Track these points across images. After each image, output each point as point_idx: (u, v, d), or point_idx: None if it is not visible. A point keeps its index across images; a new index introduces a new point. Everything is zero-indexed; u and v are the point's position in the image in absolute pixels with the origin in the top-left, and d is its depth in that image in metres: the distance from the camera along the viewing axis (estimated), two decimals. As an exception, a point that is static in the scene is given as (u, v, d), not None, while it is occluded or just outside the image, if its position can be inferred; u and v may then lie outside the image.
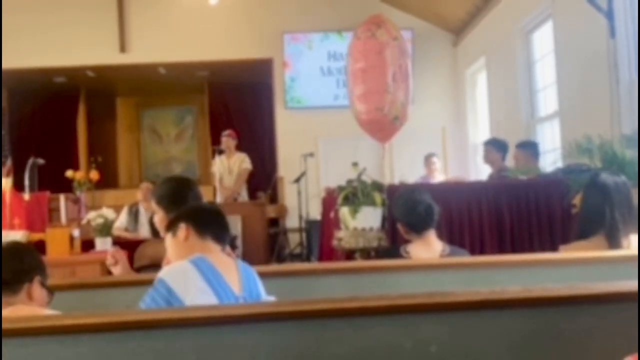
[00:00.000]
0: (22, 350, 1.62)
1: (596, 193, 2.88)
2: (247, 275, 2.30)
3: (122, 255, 2.96)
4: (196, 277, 2.15)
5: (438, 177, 7.87)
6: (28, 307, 2.10)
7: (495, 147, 5.95)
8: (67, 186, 7.48)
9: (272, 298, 2.28)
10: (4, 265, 2.13)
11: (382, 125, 6.45)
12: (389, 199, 3.80)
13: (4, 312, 2.03)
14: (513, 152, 5.82)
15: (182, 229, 2.34)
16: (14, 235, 5.18)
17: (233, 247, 3.08)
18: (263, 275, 2.84)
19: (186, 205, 2.73)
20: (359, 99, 6.44)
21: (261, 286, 2.34)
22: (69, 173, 7.57)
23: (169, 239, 2.41)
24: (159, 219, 2.92)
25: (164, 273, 2.20)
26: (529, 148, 5.69)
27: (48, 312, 2.11)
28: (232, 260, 2.34)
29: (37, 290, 2.16)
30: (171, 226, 2.40)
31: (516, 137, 6.35)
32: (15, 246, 2.30)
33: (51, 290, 2.21)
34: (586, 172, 3.55)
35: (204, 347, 1.66)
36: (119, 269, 2.90)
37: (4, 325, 1.61)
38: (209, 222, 2.37)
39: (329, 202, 4.48)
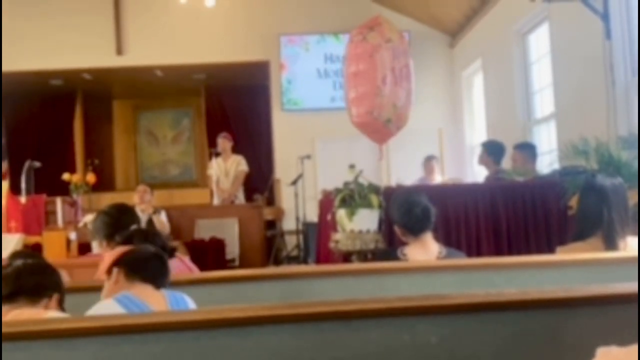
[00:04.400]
0: (18, 354, 1.61)
1: (593, 195, 2.88)
2: (176, 303, 2.31)
3: None
4: (120, 312, 2.17)
5: (437, 180, 7.85)
6: (30, 311, 2.11)
7: (488, 150, 5.89)
8: (63, 189, 7.48)
9: None
10: (29, 275, 2.20)
11: (375, 128, 6.46)
12: (386, 201, 3.80)
13: (10, 315, 2.05)
14: (510, 154, 5.82)
15: (114, 272, 2.35)
16: (11, 238, 5.16)
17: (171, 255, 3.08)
18: (260, 278, 2.84)
19: (123, 233, 2.83)
20: (353, 103, 6.48)
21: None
22: (66, 176, 7.58)
23: (105, 282, 2.42)
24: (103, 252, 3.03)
25: (91, 311, 2.20)
26: (527, 149, 5.68)
27: (52, 314, 2.12)
28: (161, 294, 2.33)
29: (54, 307, 2.20)
30: (111, 271, 2.41)
31: (512, 139, 6.35)
32: (42, 262, 2.37)
33: (66, 312, 2.25)
34: (582, 174, 3.56)
35: (200, 351, 1.66)
36: None
37: (-1, 330, 1.61)
38: (139, 268, 2.36)
39: (326, 204, 4.48)
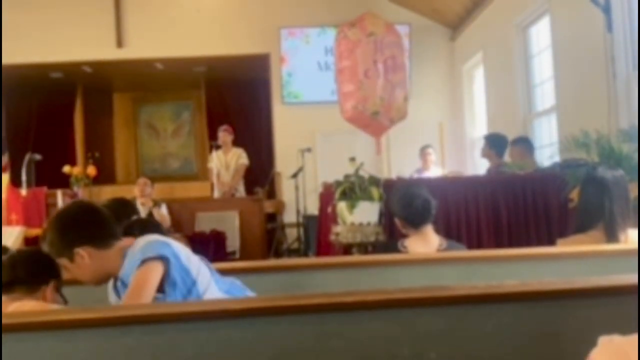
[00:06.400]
0: (19, 345, 1.62)
1: (595, 187, 2.88)
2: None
3: None
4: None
5: (433, 170, 7.84)
6: (33, 302, 2.12)
7: (490, 143, 5.90)
8: (64, 182, 7.48)
9: None
10: (23, 264, 2.20)
11: (364, 122, 6.47)
12: (386, 193, 3.80)
13: (12, 307, 2.06)
14: (508, 149, 5.80)
15: (80, 253, 2.11)
16: (11, 231, 5.17)
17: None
18: (260, 270, 2.85)
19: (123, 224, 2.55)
20: (342, 98, 6.54)
21: None
22: (66, 169, 7.58)
23: (73, 268, 2.14)
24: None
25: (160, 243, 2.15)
26: (522, 144, 5.68)
27: (55, 306, 2.13)
28: None
29: (52, 294, 2.21)
30: (63, 254, 2.13)
31: (513, 132, 6.35)
32: (36, 250, 2.35)
33: (65, 299, 2.25)
34: (583, 167, 3.56)
35: (201, 342, 1.66)
36: None
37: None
38: (107, 231, 2.17)
39: (327, 197, 4.48)
